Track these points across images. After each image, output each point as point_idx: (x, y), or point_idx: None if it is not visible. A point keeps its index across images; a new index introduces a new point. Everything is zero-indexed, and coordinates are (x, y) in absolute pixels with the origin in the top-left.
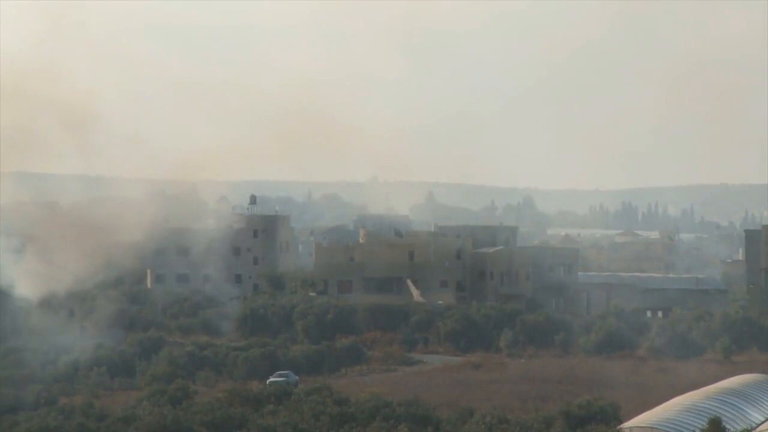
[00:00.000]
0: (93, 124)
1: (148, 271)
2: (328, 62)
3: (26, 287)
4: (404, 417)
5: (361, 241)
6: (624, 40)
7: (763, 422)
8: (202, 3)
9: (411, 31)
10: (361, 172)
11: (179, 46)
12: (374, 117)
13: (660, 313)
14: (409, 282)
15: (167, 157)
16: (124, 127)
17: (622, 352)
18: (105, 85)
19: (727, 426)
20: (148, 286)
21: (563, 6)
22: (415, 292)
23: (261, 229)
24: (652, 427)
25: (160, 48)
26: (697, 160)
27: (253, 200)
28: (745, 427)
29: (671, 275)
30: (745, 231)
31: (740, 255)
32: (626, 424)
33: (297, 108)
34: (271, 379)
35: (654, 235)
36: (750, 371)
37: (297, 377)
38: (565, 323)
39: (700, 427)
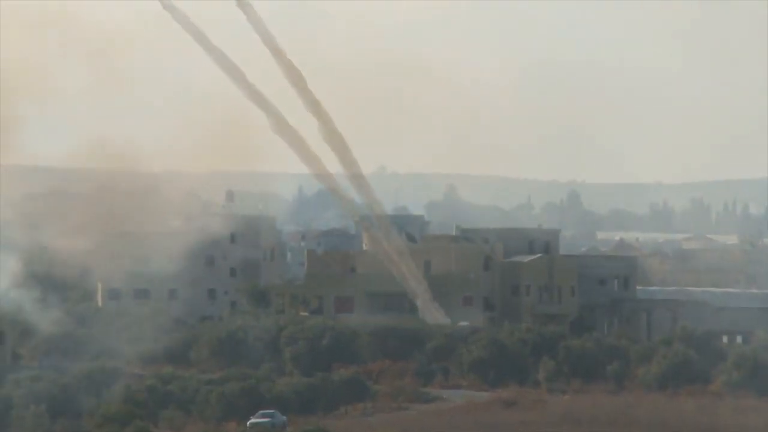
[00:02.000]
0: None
1: (99, 285)
2: None
3: None
4: None
5: (364, 247)
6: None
7: None
8: None
9: None
10: (365, 161)
11: None
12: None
13: (739, 338)
14: (424, 297)
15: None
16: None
17: (691, 386)
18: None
19: None
20: (99, 303)
21: None
22: (429, 309)
23: (240, 232)
24: None
25: None
26: None
27: (231, 196)
28: None
29: (753, 291)
30: None
31: None
32: None
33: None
34: (253, 420)
35: (731, 239)
36: None
37: (285, 418)
38: (620, 350)
39: None
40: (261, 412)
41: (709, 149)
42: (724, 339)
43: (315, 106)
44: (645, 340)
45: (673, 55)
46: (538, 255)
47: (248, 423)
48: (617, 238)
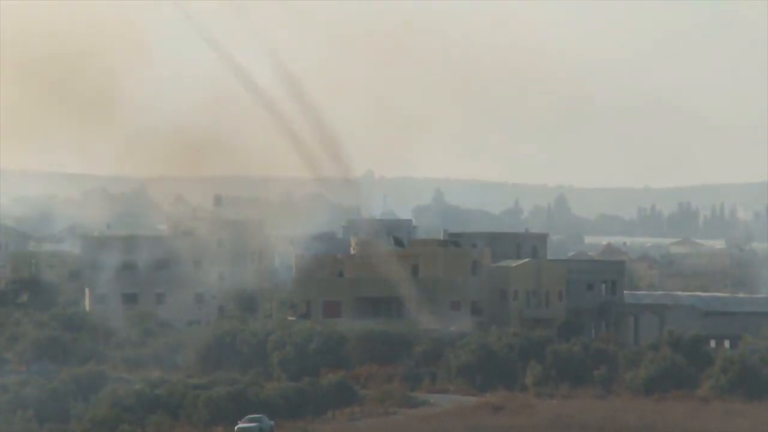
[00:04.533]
0: None
1: (87, 290)
2: None
3: None
4: None
5: (352, 251)
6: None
7: None
8: None
9: None
10: (353, 165)
11: None
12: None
13: (727, 343)
14: (411, 301)
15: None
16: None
17: (678, 391)
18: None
19: None
20: (86, 308)
21: None
22: (418, 314)
23: (228, 236)
24: None
25: None
26: None
27: (218, 201)
28: None
29: (741, 295)
30: None
31: None
32: None
33: None
34: (241, 424)
35: (719, 244)
36: None
37: (272, 422)
38: (608, 355)
39: None
40: (248, 416)
41: (697, 154)
42: (712, 343)
43: (311, 111)
44: (632, 345)
45: (663, 61)
46: (526, 259)
47: (236, 428)
48: (605, 242)
